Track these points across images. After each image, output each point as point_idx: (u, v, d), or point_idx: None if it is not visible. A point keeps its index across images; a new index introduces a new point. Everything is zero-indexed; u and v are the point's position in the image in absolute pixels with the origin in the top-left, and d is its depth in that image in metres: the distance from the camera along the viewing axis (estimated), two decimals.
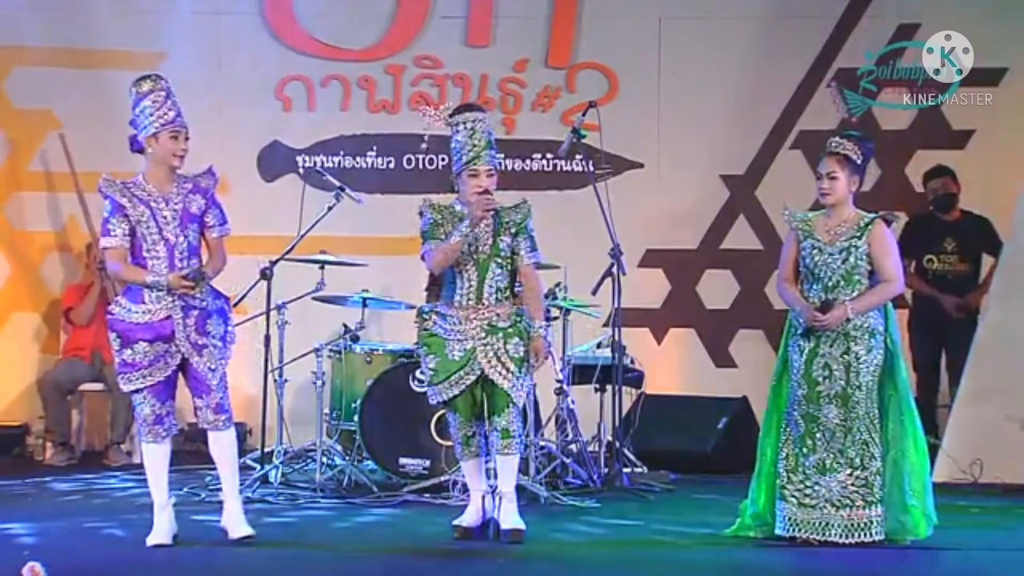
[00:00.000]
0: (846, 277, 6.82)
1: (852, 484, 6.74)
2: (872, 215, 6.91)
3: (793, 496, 6.81)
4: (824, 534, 6.74)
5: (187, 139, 6.67)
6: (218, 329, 6.65)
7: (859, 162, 6.89)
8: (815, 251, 6.87)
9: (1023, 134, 10.48)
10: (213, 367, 6.62)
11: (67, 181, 10.45)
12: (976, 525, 7.55)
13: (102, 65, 10.61)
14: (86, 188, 10.37)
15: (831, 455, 6.76)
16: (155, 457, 6.67)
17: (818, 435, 6.78)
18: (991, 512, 7.98)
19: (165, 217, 6.59)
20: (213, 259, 6.73)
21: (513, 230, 6.90)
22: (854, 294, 6.80)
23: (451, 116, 6.95)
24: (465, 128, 6.87)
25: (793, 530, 6.79)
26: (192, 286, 6.53)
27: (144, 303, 6.56)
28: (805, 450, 6.80)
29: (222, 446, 6.73)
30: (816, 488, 6.77)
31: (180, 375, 6.67)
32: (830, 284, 6.82)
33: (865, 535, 6.72)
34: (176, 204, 6.62)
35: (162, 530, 6.65)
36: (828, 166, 6.86)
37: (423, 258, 6.92)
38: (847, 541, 6.70)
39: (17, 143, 10.65)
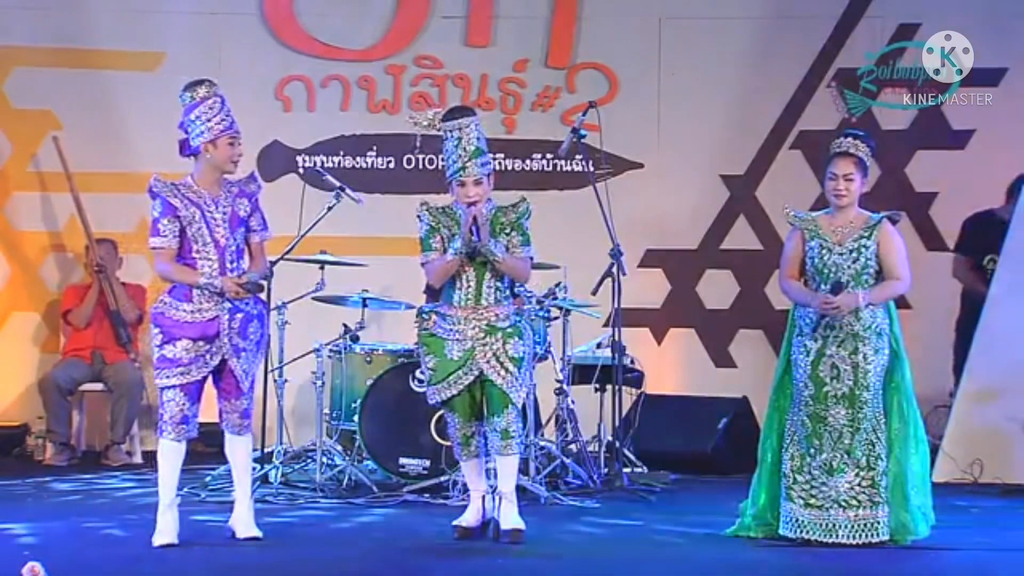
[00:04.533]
0: (855, 277, 6.81)
1: (859, 485, 6.74)
2: (879, 215, 6.91)
3: (799, 497, 6.80)
4: (831, 535, 6.73)
5: (241, 144, 6.76)
6: (256, 334, 6.74)
7: (868, 163, 6.89)
8: (824, 251, 6.86)
9: (1023, 134, 10.48)
10: (247, 370, 6.70)
11: (66, 182, 10.43)
12: (976, 525, 7.55)
13: (102, 65, 10.62)
14: (85, 188, 10.38)
15: (838, 456, 6.76)
16: (171, 455, 6.69)
17: (825, 435, 6.78)
18: (991, 512, 7.98)
19: (216, 219, 6.67)
20: (255, 263, 6.84)
21: (508, 229, 6.91)
22: None
23: (441, 120, 6.95)
24: (452, 136, 6.88)
25: (799, 531, 6.79)
26: (247, 293, 6.62)
27: (192, 301, 6.62)
28: (812, 450, 6.80)
29: (241, 450, 6.81)
30: (823, 489, 6.76)
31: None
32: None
33: (872, 535, 6.72)
34: (225, 207, 6.72)
35: (168, 529, 6.68)
36: (845, 168, 6.83)
37: (423, 266, 6.96)
38: (854, 542, 6.70)
39: (17, 143, 10.65)
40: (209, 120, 6.67)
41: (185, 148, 6.76)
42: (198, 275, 6.61)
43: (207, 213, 6.66)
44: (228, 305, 6.63)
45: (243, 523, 6.80)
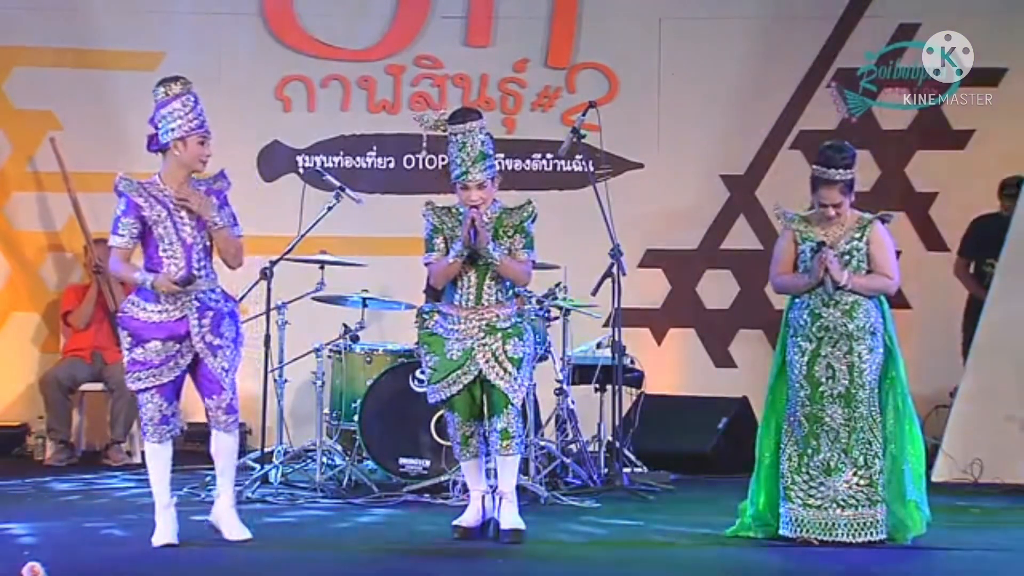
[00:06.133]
0: None
1: (857, 484, 6.73)
2: (870, 215, 6.91)
3: (798, 497, 6.80)
4: (831, 535, 6.73)
5: (210, 145, 6.73)
6: (230, 331, 6.68)
7: (855, 175, 6.85)
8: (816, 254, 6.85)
9: (1023, 134, 10.48)
10: (227, 367, 6.65)
11: (64, 182, 10.44)
12: (976, 525, 7.55)
13: (102, 65, 10.63)
14: (86, 188, 10.37)
15: (835, 455, 6.76)
16: (158, 457, 6.67)
17: (822, 435, 6.78)
18: (991, 512, 7.98)
19: (183, 218, 6.63)
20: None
21: (512, 232, 6.91)
22: (858, 297, 6.80)
23: (447, 122, 6.94)
24: (456, 141, 6.88)
25: (799, 531, 6.78)
26: (180, 290, 6.54)
27: (159, 302, 6.58)
28: (810, 450, 6.80)
29: (226, 447, 6.75)
30: (821, 489, 6.76)
31: (187, 376, 6.69)
32: (833, 286, 6.80)
33: (871, 534, 6.72)
34: None
35: (167, 530, 6.65)
36: (833, 198, 6.78)
37: (426, 266, 6.98)
38: (854, 541, 6.70)
39: (17, 143, 10.66)
40: (181, 117, 6.61)
41: (153, 143, 6.72)
42: (135, 272, 6.56)
43: (174, 212, 6.61)
44: (196, 304, 6.58)
45: (228, 524, 6.73)
